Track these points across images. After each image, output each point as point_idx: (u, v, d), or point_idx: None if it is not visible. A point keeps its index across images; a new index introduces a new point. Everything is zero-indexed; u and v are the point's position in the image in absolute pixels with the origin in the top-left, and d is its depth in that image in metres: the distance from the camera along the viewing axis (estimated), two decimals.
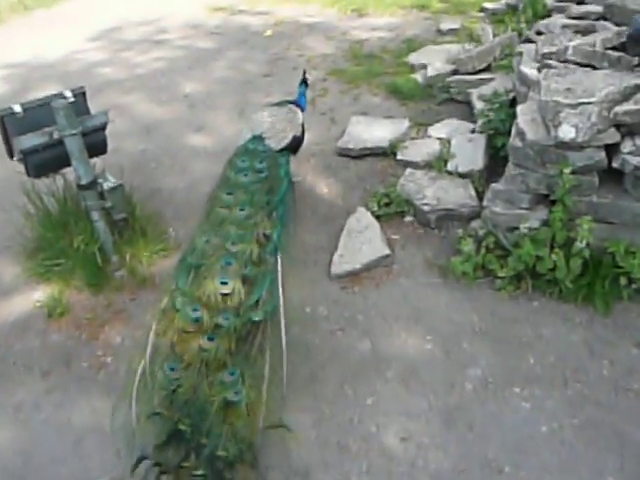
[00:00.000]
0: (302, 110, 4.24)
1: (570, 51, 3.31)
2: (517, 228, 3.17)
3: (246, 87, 6.18)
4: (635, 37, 3.22)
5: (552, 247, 3.09)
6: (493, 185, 3.31)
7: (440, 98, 5.41)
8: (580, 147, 2.82)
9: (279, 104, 4.25)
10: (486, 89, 5.04)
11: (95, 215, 3.34)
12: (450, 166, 4.18)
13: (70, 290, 3.50)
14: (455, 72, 5.60)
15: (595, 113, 2.73)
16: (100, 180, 3.33)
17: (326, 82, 6.09)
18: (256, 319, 2.58)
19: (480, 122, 4.40)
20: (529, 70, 3.75)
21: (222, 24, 8.45)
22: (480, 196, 3.88)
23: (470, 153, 4.22)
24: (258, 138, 3.83)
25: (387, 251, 3.51)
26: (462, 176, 4.09)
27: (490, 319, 3.12)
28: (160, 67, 6.93)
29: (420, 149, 4.52)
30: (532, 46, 4.30)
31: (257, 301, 2.67)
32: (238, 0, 9.61)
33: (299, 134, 4.00)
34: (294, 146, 4.00)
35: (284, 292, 2.80)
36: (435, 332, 3.08)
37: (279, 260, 3.00)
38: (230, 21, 8.57)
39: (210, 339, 2.48)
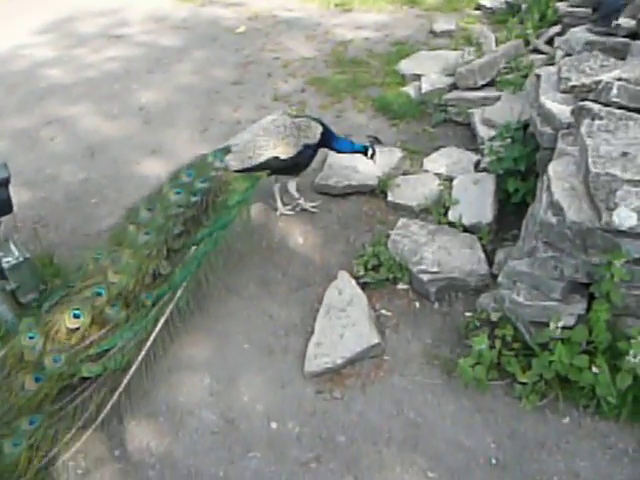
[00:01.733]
0: (335, 148, 3.64)
1: (615, 91, 2.56)
2: (546, 324, 2.44)
3: (212, 98, 5.33)
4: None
5: (590, 352, 2.38)
6: (513, 264, 2.57)
7: (437, 118, 4.64)
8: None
9: (309, 117, 3.60)
10: (490, 111, 4.30)
11: None
12: (452, 215, 3.45)
13: None
14: (453, 87, 4.84)
15: None
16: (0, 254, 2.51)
17: (304, 93, 5.28)
18: (86, 374, 2.42)
19: (488, 160, 3.65)
20: (554, 105, 3.00)
21: (190, 17, 7.52)
22: (489, 258, 3.17)
23: (476, 199, 3.48)
24: (222, 151, 3.26)
25: (376, 339, 2.76)
26: (467, 229, 3.36)
27: (510, 444, 2.41)
28: (114, 69, 6.03)
29: (415, 189, 3.77)
30: (551, 69, 3.54)
31: (106, 350, 2.50)
32: None
33: (286, 157, 3.31)
34: (276, 169, 3.35)
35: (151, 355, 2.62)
36: (439, 464, 2.35)
37: (167, 312, 2.70)
38: (199, 14, 7.64)
39: (37, 380, 2.37)
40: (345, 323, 2.85)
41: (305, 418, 2.54)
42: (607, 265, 2.21)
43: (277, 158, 3.29)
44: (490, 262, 3.14)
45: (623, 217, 2.03)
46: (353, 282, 3.09)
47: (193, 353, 2.85)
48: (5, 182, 2.49)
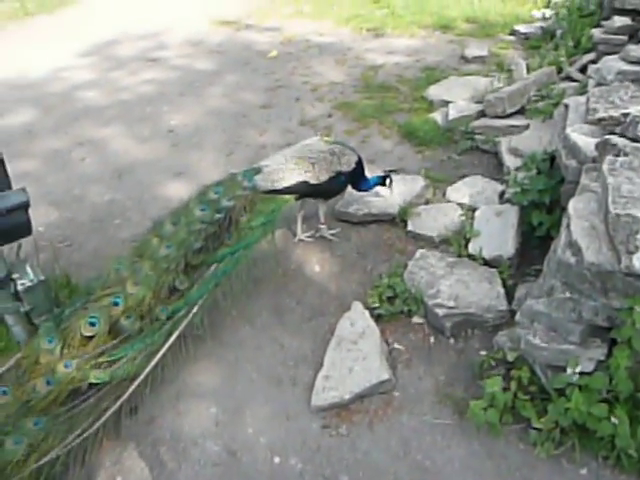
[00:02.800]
0: (358, 186, 3.63)
1: None
2: (563, 368, 2.32)
3: (240, 121, 5.39)
4: None
5: (610, 401, 2.24)
6: (530, 303, 2.47)
7: (463, 146, 4.56)
8: None
9: (345, 145, 3.60)
10: (518, 140, 4.20)
11: (10, 319, 2.58)
12: (472, 248, 3.35)
13: None
14: (482, 114, 4.76)
15: None
16: (15, 276, 2.56)
17: (331, 118, 5.29)
18: (94, 381, 2.45)
19: (512, 191, 3.54)
20: (580, 138, 2.90)
21: (225, 41, 7.69)
22: (509, 293, 3.06)
23: (498, 232, 3.37)
24: (252, 171, 3.24)
25: (386, 376, 2.68)
26: (487, 263, 3.26)
27: None
28: (148, 92, 6.19)
29: (436, 218, 3.69)
30: (580, 99, 3.45)
31: (117, 359, 2.53)
32: (247, 12, 8.89)
33: (315, 182, 3.29)
34: (304, 194, 3.35)
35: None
36: None
37: (180, 327, 2.70)
38: (234, 38, 7.81)
39: (48, 383, 2.41)
40: (356, 356, 2.78)
41: (309, 454, 2.47)
42: (628, 310, 2.09)
43: (306, 183, 3.26)
44: (510, 298, 3.03)
45: None
46: (367, 314, 3.02)
47: (202, 380, 2.83)
48: (24, 206, 2.54)
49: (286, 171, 3.22)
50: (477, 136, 4.56)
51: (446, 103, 5.11)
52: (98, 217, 4.16)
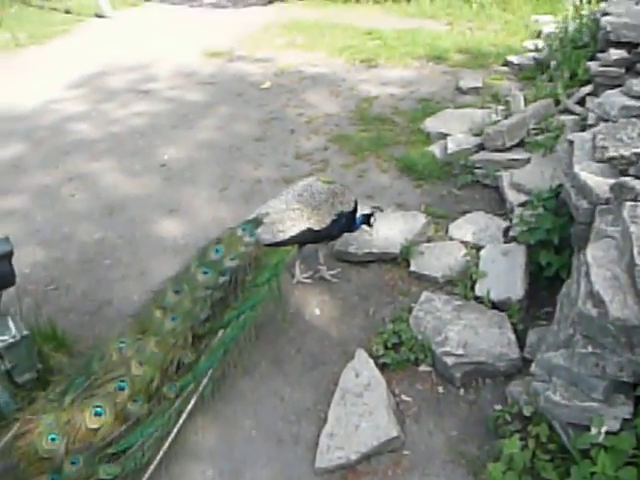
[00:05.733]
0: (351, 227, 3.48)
1: None
2: (585, 427, 2.17)
3: (234, 155, 5.28)
4: None
5: (638, 463, 2.09)
6: (548, 356, 2.32)
7: (463, 180, 4.47)
8: None
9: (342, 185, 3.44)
10: (520, 175, 4.12)
11: None
12: (479, 289, 3.22)
13: None
14: (481, 147, 4.68)
15: None
16: None
17: (327, 151, 5.19)
18: (103, 477, 2.24)
19: (518, 230, 3.43)
20: (590, 177, 2.79)
21: (217, 72, 7.63)
22: (520, 338, 2.92)
23: (505, 272, 3.25)
24: (253, 222, 3.03)
25: (395, 432, 2.51)
26: (496, 306, 3.13)
27: None
28: (140, 125, 6.07)
29: (439, 258, 3.56)
30: (585, 136, 3.35)
31: (127, 448, 2.33)
32: (238, 44, 8.86)
33: (319, 227, 3.14)
34: (308, 241, 3.21)
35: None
36: None
37: (190, 403, 2.51)
38: (226, 69, 7.75)
39: None
40: (362, 411, 2.61)
41: None
42: None
43: (311, 230, 3.11)
44: (521, 344, 2.90)
45: None
46: (371, 363, 2.86)
47: (198, 440, 2.64)
48: (7, 255, 2.38)
49: (288, 220, 3.06)
50: (477, 170, 4.47)
51: (444, 136, 5.03)
52: (87, 257, 3.99)
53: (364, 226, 3.54)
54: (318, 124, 5.75)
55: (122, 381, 2.46)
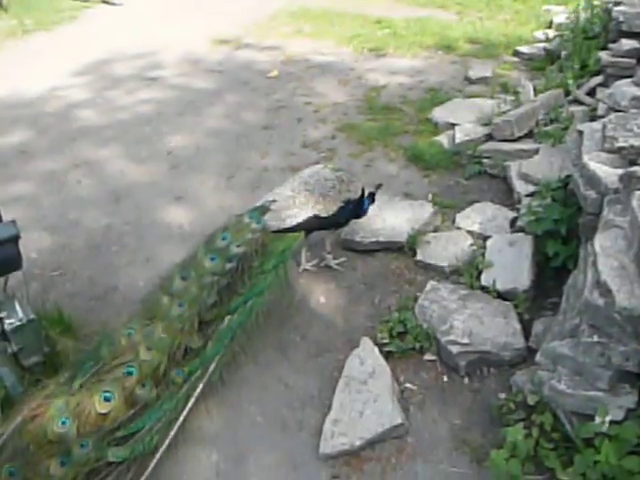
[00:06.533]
0: (360, 212, 3.50)
1: None
2: (590, 416, 2.17)
3: (241, 143, 5.27)
4: None
5: None
6: (554, 345, 2.32)
7: (470, 170, 4.45)
8: None
9: (339, 171, 3.41)
10: (528, 165, 4.08)
11: None
12: (485, 279, 3.21)
13: None
14: (489, 137, 4.65)
15: None
16: (3, 315, 2.39)
17: (335, 140, 5.17)
18: (112, 460, 2.26)
19: (525, 220, 3.41)
20: (599, 167, 2.77)
21: (224, 60, 7.59)
22: (526, 328, 2.92)
23: (512, 262, 3.24)
24: (260, 209, 3.04)
25: (399, 419, 2.52)
26: (501, 295, 3.12)
27: None
28: (147, 112, 6.06)
29: (446, 247, 3.55)
30: (595, 126, 3.32)
31: (134, 432, 2.35)
32: (246, 31, 8.81)
33: (327, 214, 3.14)
34: (315, 228, 3.19)
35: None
36: None
37: (198, 389, 2.53)
38: (234, 57, 7.71)
39: (62, 464, 2.21)
40: (366, 398, 2.62)
41: None
42: None
43: (318, 216, 3.11)
44: (527, 333, 2.89)
45: None
46: (376, 351, 2.86)
47: (203, 425, 2.65)
48: (14, 239, 2.38)
49: (295, 206, 3.06)
50: (485, 160, 4.45)
51: (452, 126, 5.00)
52: (94, 243, 4.00)
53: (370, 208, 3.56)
54: (326, 113, 5.72)
55: (130, 366, 2.48)
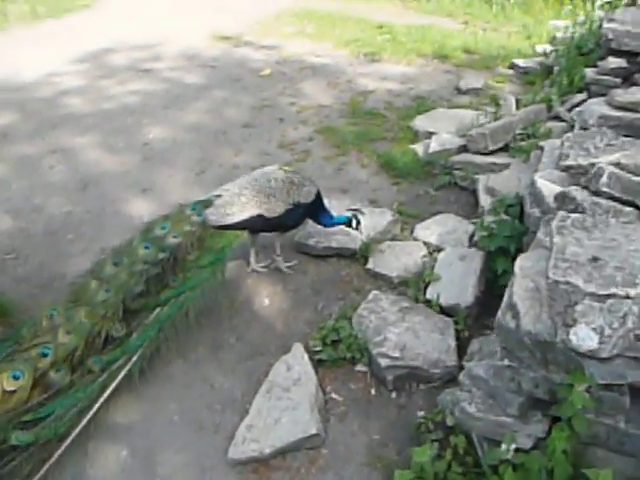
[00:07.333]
0: (318, 219, 3.43)
1: (605, 178, 2.24)
2: (499, 442, 2.08)
3: (218, 139, 5.24)
4: None
5: None
6: (470, 366, 2.24)
7: (440, 181, 4.37)
8: (604, 358, 1.74)
9: (304, 177, 3.36)
10: (495, 180, 3.99)
11: None
12: (430, 293, 3.13)
13: None
14: (463, 149, 4.56)
15: (636, 314, 1.66)
16: None
17: (311, 142, 5.11)
18: (15, 443, 2.20)
19: (478, 235, 3.33)
20: (546, 185, 2.69)
21: (221, 56, 7.58)
22: (463, 346, 2.83)
23: (459, 277, 3.16)
24: (203, 202, 3.01)
25: (314, 430, 2.45)
26: (444, 311, 3.04)
27: None
28: (132, 103, 6.06)
29: (398, 257, 3.48)
30: (557, 142, 3.25)
31: (43, 418, 2.29)
32: (248, 29, 8.81)
33: (271, 216, 3.08)
34: (259, 228, 3.17)
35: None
36: None
37: (117, 380, 2.49)
38: (231, 54, 7.70)
39: None
40: (285, 405, 2.56)
41: None
42: (568, 387, 1.86)
43: (261, 216, 3.06)
44: (463, 352, 2.80)
45: (582, 337, 1.69)
46: (306, 358, 2.80)
47: (118, 418, 2.61)
48: None
49: (239, 204, 3.01)
50: (456, 171, 4.36)
51: (430, 135, 4.92)
52: (52, 229, 3.99)
53: (348, 229, 3.48)
54: (308, 114, 5.67)
55: (47, 347, 2.45)
